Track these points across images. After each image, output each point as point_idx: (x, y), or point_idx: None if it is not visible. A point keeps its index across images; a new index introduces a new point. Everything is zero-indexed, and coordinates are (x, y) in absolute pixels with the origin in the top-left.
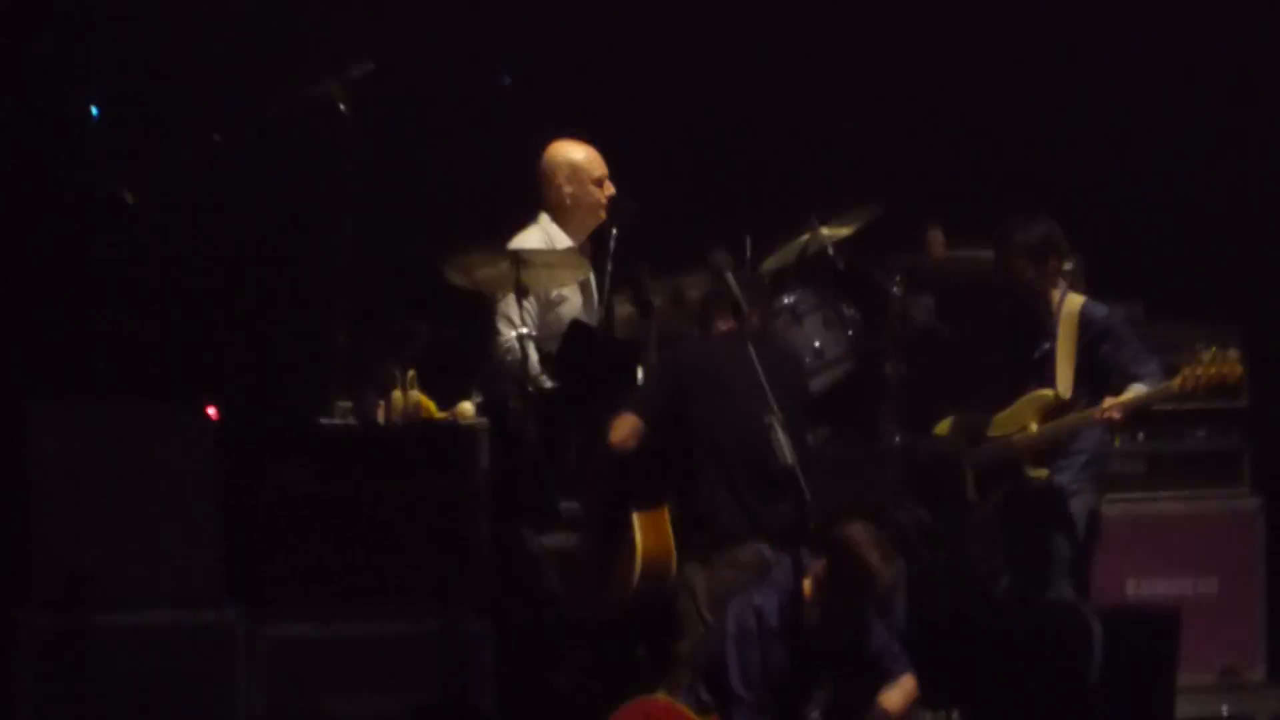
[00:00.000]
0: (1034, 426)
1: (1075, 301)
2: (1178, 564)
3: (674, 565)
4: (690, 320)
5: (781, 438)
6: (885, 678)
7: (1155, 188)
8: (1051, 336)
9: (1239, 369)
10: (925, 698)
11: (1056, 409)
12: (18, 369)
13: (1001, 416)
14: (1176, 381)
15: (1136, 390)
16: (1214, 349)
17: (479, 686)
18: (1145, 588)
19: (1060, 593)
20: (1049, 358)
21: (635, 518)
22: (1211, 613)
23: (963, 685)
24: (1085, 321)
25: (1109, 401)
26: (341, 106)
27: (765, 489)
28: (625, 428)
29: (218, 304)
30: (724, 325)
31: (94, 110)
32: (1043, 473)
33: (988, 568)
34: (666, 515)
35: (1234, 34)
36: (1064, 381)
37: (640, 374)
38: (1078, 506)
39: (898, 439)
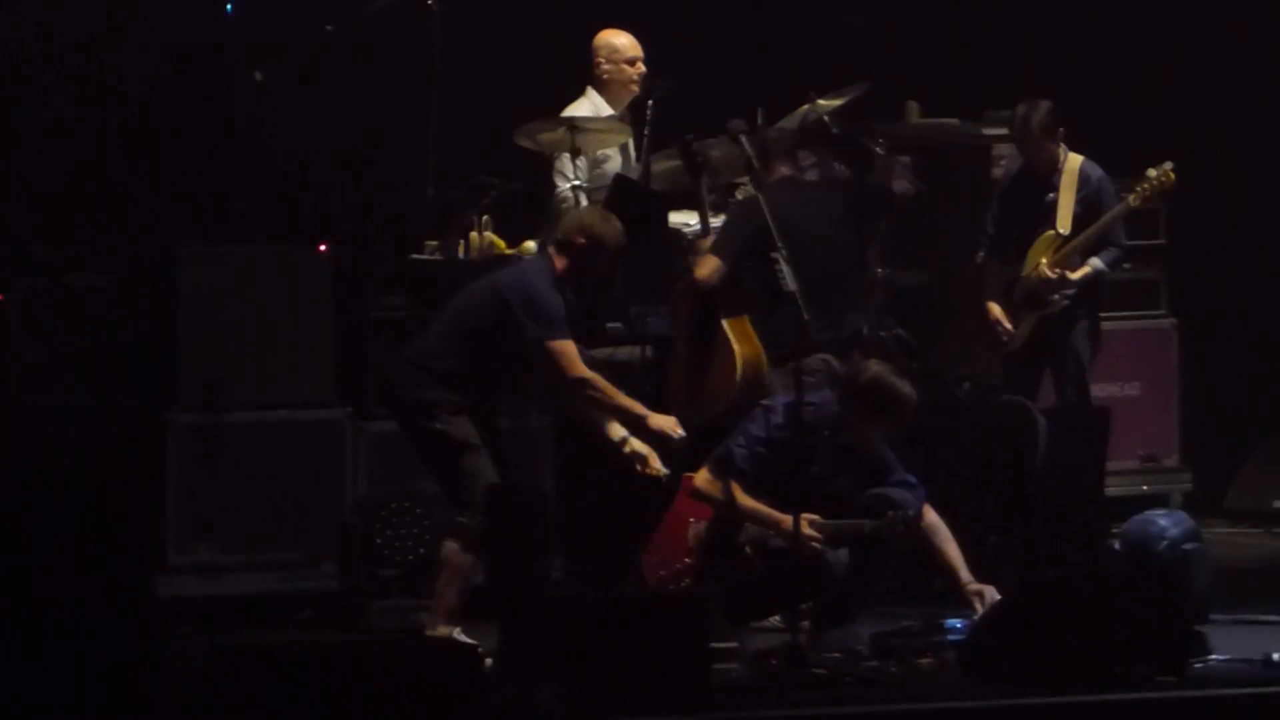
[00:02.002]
0: (1044, 263)
1: (1076, 160)
2: (1108, 372)
3: (766, 366)
4: (711, 175)
5: (785, 269)
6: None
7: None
8: (1056, 189)
9: (1172, 176)
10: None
11: (1060, 243)
12: (171, 217)
13: (1024, 263)
14: (1133, 199)
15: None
16: (1152, 169)
17: (540, 471)
18: None
19: (1071, 395)
20: (1054, 206)
21: (727, 325)
22: (1135, 411)
23: (932, 472)
24: (1083, 178)
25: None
26: (431, 3)
27: (833, 307)
28: (709, 266)
29: (332, 164)
30: (780, 172)
31: (229, 7)
32: (1056, 297)
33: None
34: (749, 322)
35: None
36: (1064, 222)
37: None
38: (1085, 327)
39: (880, 271)
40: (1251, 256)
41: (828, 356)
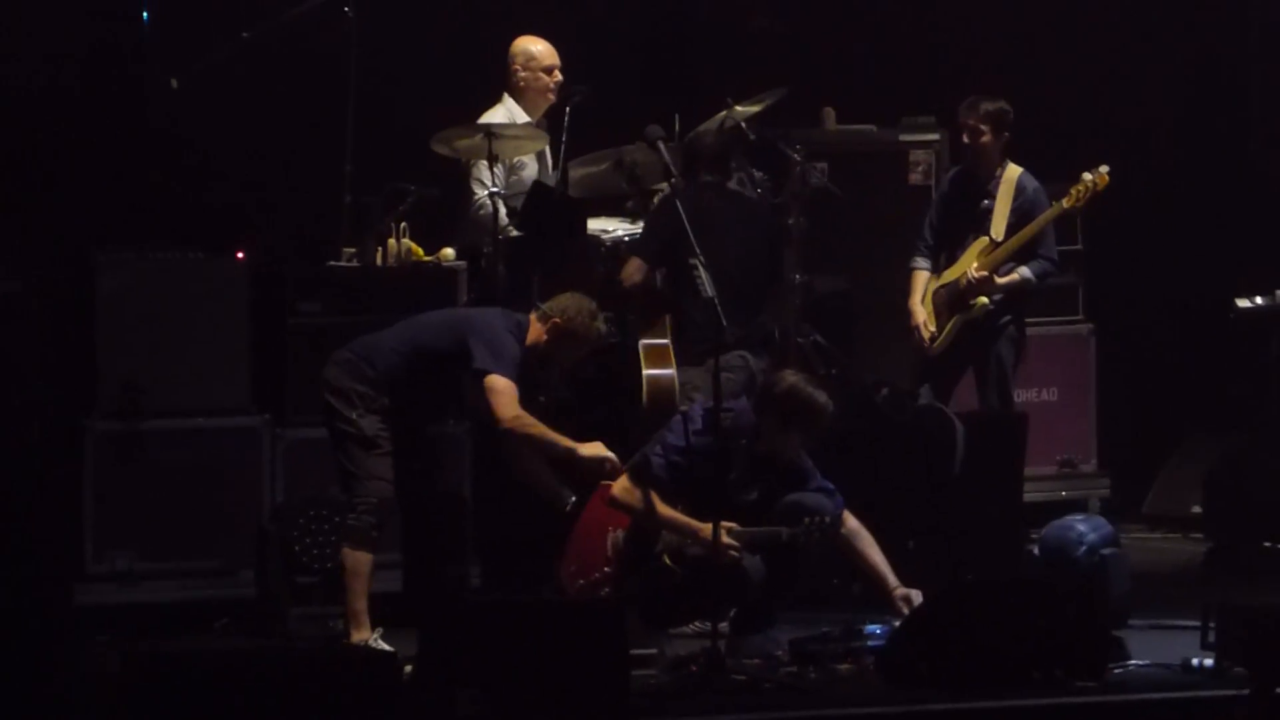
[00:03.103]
0: (975, 266)
1: (1015, 171)
2: (1025, 377)
3: (676, 386)
4: (629, 180)
5: (704, 275)
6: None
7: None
8: (993, 196)
9: (1106, 178)
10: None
11: (992, 248)
12: (88, 224)
13: (953, 267)
14: (1066, 201)
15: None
16: (1087, 172)
17: (458, 476)
18: None
19: (993, 401)
20: (988, 213)
21: (640, 347)
22: (1052, 417)
23: (851, 478)
24: (1020, 188)
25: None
26: (348, 10)
27: (745, 308)
28: (632, 267)
29: (249, 172)
30: (704, 176)
31: (145, 15)
32: (983, 300)
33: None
34: (670, 347)
35: None
36: (998, 228)
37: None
38: (1010, 333)
39: (797, 277)
40: (1167, 262)
41: (744, 353)
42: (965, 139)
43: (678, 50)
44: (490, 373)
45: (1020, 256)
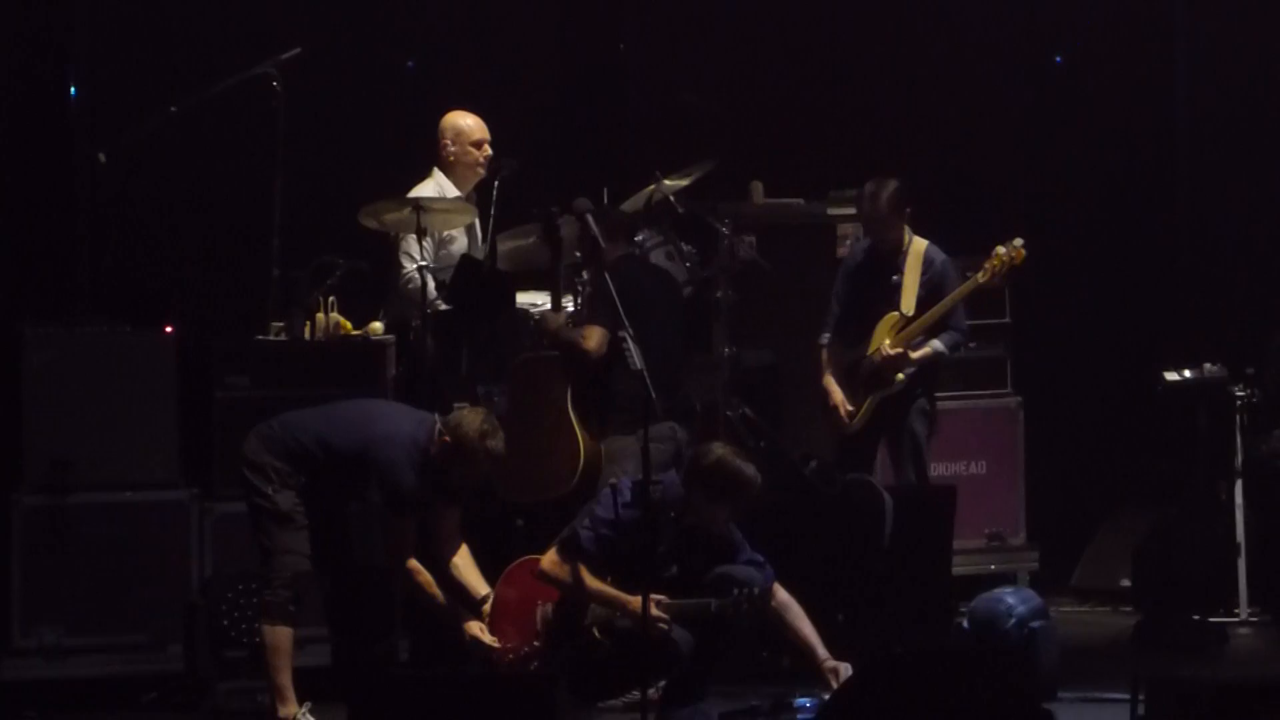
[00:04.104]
0: (888, 343)
1: (920, 244)
2: (954, 450)
3: (604, 456)
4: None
5: (632, 347)
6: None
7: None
8: (900, 270)
9: (1022, 253)
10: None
11: (904, 324)
12: (15, 297)
13: (868, 343)
14: (981, 276)
15: (933, 344)
16: (1001, 246)
17: (384, 550)
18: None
19: (910, 475)
20: (898, 287)
21: (574, 413)
22: (981, 490)
23: (779, 550)
24: (927, 261)
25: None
26: (275, 84)
27: (670, 380)
28: (599, 337)
29: (177, 246)
30: (618, 249)
31: (72, 90)
32: (900, 376)
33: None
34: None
35: None
36: (908, 303)
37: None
38: (920, 405)
39: (726, 350)
40: (1095, 335)
41: (673, 424)
42: (868, 227)
43: (607, 124)
44: (386, 510)
45: (932, 329)
